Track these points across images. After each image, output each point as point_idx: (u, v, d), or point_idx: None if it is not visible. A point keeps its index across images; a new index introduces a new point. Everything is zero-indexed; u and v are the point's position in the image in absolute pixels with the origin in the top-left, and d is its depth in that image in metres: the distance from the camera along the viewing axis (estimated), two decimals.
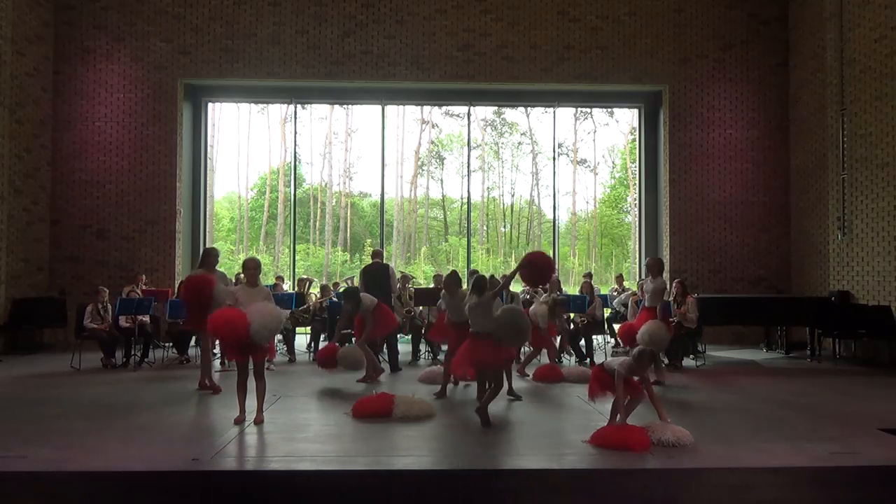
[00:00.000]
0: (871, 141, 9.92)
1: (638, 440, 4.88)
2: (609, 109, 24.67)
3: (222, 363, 9.04)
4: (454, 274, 7.22)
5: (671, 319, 8.31)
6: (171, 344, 9.60)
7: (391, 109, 19.06)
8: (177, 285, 10.51)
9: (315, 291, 11.12)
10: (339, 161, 28.15)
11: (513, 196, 29.71)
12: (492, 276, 7.97)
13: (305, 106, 21.23)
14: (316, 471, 4.51)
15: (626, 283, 12.68)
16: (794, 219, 12.15)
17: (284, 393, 7.07)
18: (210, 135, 17.02)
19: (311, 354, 9.86)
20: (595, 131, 28.79)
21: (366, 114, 30.19)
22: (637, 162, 13.62)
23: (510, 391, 6.90)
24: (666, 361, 9.09)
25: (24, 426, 5.57)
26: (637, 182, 13.74)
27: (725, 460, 4.69)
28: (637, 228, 14.28)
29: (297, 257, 14.84)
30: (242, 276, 6.40)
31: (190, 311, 7.25)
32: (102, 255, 11.66)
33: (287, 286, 11.62)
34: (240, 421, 5.68)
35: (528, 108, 25.14)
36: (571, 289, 18.05)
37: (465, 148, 16.11)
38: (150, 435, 5.29)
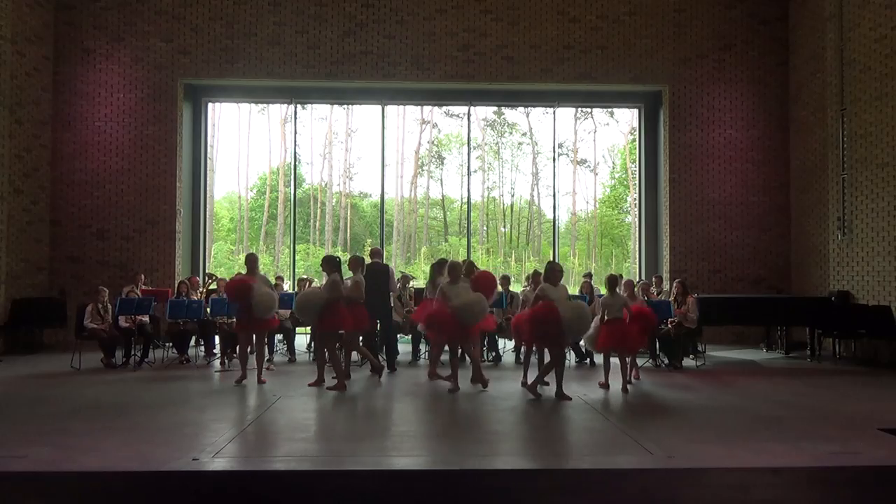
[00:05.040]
0: (871, 141, 9.92)
1: None
2: (609, 109, 24.66)
3: (222, 363, 9.06)
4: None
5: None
6: (171, 344, 9.60)
7: (391, 109, 19.06)
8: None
9: None
10: (339, 161, 28.16)
11: (513, 196, 29.72)
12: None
13: (305, 106, 21.24)
14: (316, 471, 4.50)
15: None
16: (794, 219, 12.15)
17: (284, 393, 7.07)
18: (210, 135, 17.02)
19: (312, 354, 9.87)
20: (595, 131, 28.80)
21: (366, 114, 30.20)
22: (637, 162, 13.62)
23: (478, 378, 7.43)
24: (666, 361, 9.10)
25: (24, 426, 5.56)
26: (637, 182, 13.73)
27: (725, 460, 4.69)
28: (637, 228, 14.27)
29: (297, 257, 14.83)
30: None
31: (238, 313, 7.92)
32: (102, 255, 11.67)
33: (287, 286, 11.62)
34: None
35: (528, 108, 25.14)
36: (572, 289, 17.98)
37: (465, 148, 16.11)
38: (149, 435, 5.29)
